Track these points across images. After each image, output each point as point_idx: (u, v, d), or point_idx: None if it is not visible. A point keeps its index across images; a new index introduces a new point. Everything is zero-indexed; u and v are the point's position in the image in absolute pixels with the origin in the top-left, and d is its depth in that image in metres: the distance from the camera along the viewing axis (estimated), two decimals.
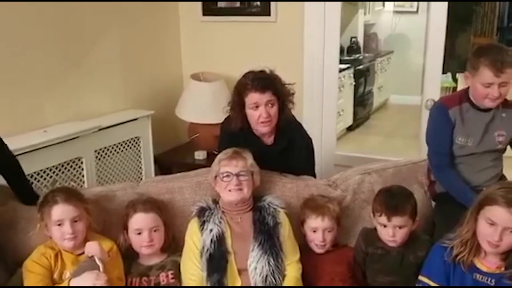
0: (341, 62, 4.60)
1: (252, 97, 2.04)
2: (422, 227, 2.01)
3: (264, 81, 2.04)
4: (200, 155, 3.27)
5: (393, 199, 1.85)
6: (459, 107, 1.99)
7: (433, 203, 2.20)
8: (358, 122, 5.72)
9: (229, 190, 1.90)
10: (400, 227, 1.84)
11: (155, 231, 1.93)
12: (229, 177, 1.90)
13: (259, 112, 2.04)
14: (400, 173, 2.25)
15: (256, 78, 2.05)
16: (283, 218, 1.94)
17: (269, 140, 2.19)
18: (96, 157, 2.73)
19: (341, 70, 4.85)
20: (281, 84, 2.10)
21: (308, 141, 2.23)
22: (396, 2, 6.61)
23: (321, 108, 3.30)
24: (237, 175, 1.90)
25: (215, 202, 1.97)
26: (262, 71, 2.10)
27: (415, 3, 6.45)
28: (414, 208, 1.88)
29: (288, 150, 2.17)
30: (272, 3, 3.18)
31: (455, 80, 5.85)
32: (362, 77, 5.70)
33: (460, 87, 5.21)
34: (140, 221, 1.92)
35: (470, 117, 1.99)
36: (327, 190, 2.16)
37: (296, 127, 2.21)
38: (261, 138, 2.18)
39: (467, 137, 2.00)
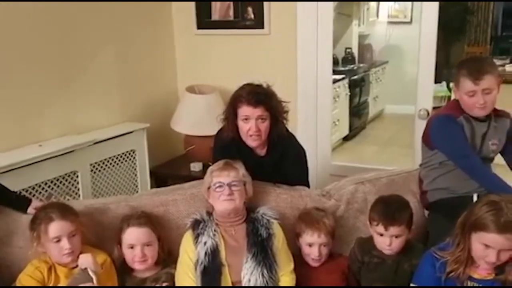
0: (336, 72, 4.64)
1: (244, 110, 2.06)
2: (416, 236, 2.02)
3: (258, 96, 2.06)
4: (195, 167, 3.29)
5: (390, 209, 1.86)
6: (463, 117, 2.02)
7: (426, 212, 2.20)
8: (354, 132, 5.73)
9: (222, 200, 1.91)
10: (396, 236, 1.85)
11: (147, 246, 1.93)
12: (221, 187, 1.91)
13: (249, 126, 2.07)
14: (393, 183, 2.26)
15: (251, 92, 2.07)
16: (276, 229, 1.95)
17: (262, 152, 2.21)
18: (92, 170, 2.74)
19: (336, 81, 4.88)
20: (276, 100, 2.11)
21: (301, 151, 2.25)
22: (390, 13, 6.67)
23: (316, 119, 3.32)
24: (229, 185, 1.91)
25: (209, 214, 1.98)
26: (259, 85, 2.12)
27: (409, 13, 6.51)
28: (411, 217, 1.89)
29: (281, 161, 2.19)
30: (266, 16, 3.21)
31: (449, 89, 5.90)
32: (357, 87, 5.72)
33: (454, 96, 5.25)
34: (133, 236, 1.93)
35: (471, 127, 2.03)
36: (321, 200, 2.17)
37: (288, 138, 2.23)
38: (254, 149, 2.19)
39: (472, 145, 2.02)
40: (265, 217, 1.96)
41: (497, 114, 2.06)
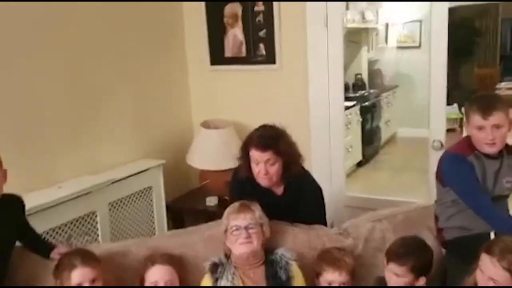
0: (347, 99, 4.67)
1: (254, 154, 2.12)
2: (434, 273, 2.01)
3: (267, 140, 2.10)
4: (211, 201, 3.31)
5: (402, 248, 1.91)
6: (473, 155, 2.03)
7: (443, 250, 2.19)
8: (367, 158, 5.74)
9: (239, 244, 1.93)
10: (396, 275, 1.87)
11: (170, 284, 1.95)
12: (238, 230, 1.94)
13: (259, 168, 2.12)
14: (409, 219, 2.27)
15: (261, 136, 2.12)
16: (295, 271, 1.96)
17: (278, 191, 2.23)
18: (110, 209, 2.77)
19: (347, 108, 4.91)
20: (285, 144, 2.14)
21: (317, 190, 2.27)
22: (399, 39, 6.73)
23: (329, 148, 3.33)
24: (246, 227, 1.93)
25: (227, 257, 2.00)
26: (272, 128, 2.17)
27: (418, 38, 6.56)
28: (421, 263, 1.90)
29: (298, 200, 2.21)
30: (277, 51, 3.27)
31: (461, 112, 5.90)
32: (369, 113, 5.75)
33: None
34: (156, 272, 1.96)
35: (483, 165, 2.03)
36: (339, 239, 2.18)
37: (305, 177, 2.25)
38: (270, 189, 2.22)
39: (484, 183, 2.02)
40: (284, 259, 1.97)
41: (510, 151, 2.06)
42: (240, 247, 1.93)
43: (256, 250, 1.95)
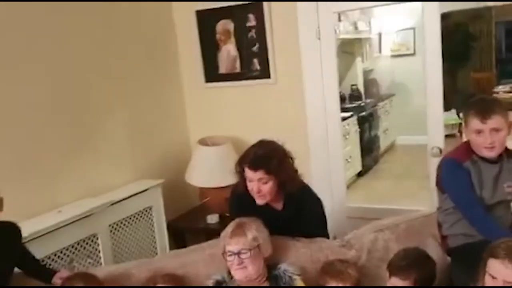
0: (344, 110, 4.68)
1: (247, 172, 2.11)
2: (439, 281, 1.99)
3: (257, 160, 2.08)
4: (212, 219, 3.29)
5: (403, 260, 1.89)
6: (470, 160, 2.02)
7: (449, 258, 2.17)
8: (367, 167, 5.71)
9: (235, 269, 1.92)
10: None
11: None
12: (231, 256, 1.92)
13: (252, 186, 2.11)
14: (412, 228, 2.25)
15: (253, 155, 2.10)
16: (299, 286, 1.94)
17: (278, 206, 2.22)
18: (111, 231, 2.76)
19: (345, 118, 4.91)
20: (279, 162, 2.10)
21: (317, 204, 2.25)
22: (392, 47, 6.76)
23: (328, 160, 3.33)
24: (238, 253, 1.90)
25: (230, 275, 1.98)
26: (268, 144, 2.16)
27: (411, 45, 6.59)
28: (423, 275, 1.87)
29: (298, 215, 2.19)
30: (271, 65, 3.29)
31: (459, 116, 5.89)
32: (367, 122, 5.75)
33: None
34: None
35: (481, 169, 2.02)
36: (342, 251, 2.16)
37: (304, 191, 2.24)
38: (270, 204, 2.20)
39: (481, 189, 2.01)
40: (287, 274, 1.96)
41: (510, 154, 2.05)
42: (236, 272, 1.92)
43: (252, 274, 1.91)
